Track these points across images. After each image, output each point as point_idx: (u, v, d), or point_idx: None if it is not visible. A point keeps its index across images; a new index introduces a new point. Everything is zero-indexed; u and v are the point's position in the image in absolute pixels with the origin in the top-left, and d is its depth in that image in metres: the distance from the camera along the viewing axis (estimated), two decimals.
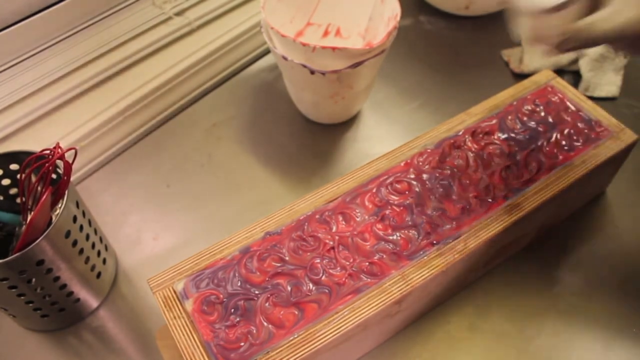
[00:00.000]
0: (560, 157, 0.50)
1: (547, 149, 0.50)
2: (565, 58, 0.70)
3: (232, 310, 0.41)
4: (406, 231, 0.45)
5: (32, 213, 0.42)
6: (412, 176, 0.49)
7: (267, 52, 0.74)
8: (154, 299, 0.42)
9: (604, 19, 0.36)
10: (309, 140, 0.64)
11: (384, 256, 0.43)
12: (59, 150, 0.43)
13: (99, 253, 0.50)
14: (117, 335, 0.50)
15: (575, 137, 0.51)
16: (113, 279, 0.53)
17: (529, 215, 0.46)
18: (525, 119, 0.53)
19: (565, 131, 0.52)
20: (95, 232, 0.50)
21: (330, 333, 0.39)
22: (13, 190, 0.50)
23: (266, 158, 0.62)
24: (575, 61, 0.69)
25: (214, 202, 0.59)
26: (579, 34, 0.37)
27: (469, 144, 0.51)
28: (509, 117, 0.53)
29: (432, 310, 0.50)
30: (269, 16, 0.57)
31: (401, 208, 0.46)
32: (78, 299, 0.49)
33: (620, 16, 0.35)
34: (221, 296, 0.41)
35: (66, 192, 0.44)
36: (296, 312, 0.41)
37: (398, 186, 0.48)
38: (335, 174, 0.61)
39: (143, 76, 0.65)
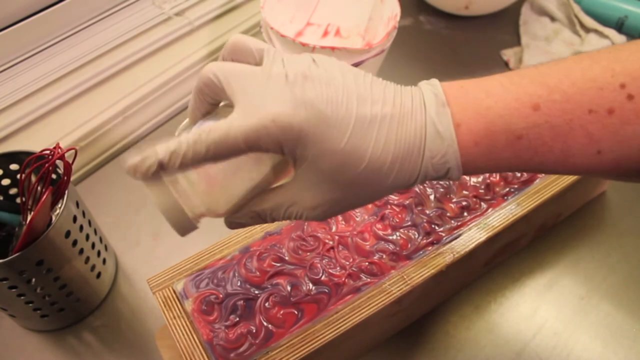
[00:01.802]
0: None
1: None
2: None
3: (232, 310, 0.41)
4: (406, 231, 0.45)
5: (32, 213, 0.42)
6: None
7: None
8: (153, 299, 0.42)
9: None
10: None
11: (384, 256, 0.43)
12: (59, 150, 0.43)
13: (98, 253, 0.50)
14: (117, 335, 0.50)
15: None
16: (113, 279, 0.53)
17: (528, 215, 0.46)
18: None
19: None
20: (95, 232, 0.50)
21: (330, 333, 0.39)
22: (13, 190, 0.50)
23: None
24: None
25: None
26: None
27: None
28: None
29: (432, 310, 0.50)
30: (268, 16, 0.57)
31: (401, 208, 0.46)
32: (78, 299, 0.49)
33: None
34: (221, 296, 0.41)
35: (66, 192, 0.44)
36: (296, 312, 0.40)
37: None
38: None
39: (143, 76, 0.65)
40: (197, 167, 0.29)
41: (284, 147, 0.28)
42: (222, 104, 0.32)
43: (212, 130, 0.27)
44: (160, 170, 0.28)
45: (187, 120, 0.34)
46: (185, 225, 0.31)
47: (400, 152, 0.28)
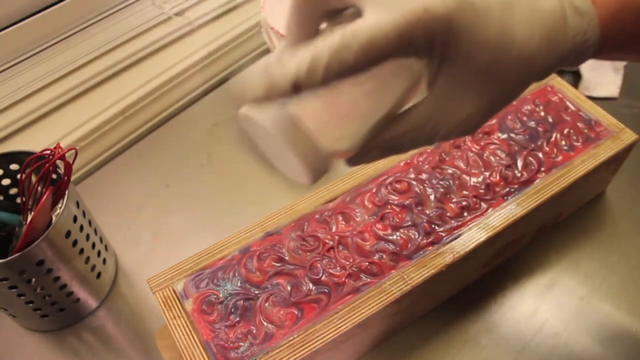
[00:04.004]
0: (560, 157, 0.50)
1: (547, 148, 0.50)
2: None
3: (232, 310, 0.41)
4: (406, 231, 0.45)
5: (33, 213, 0.42)
6: (412, 176, 0.49)
7: (267, 52, 0.74)
8: (154, 299, 0.42)
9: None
10: None
11: (384, 256, 0.43)
12: (60, 150, 0.43)
13: (99, 253, 0.50)
14: (117, 335, 0.50)
15: (575, 137, 0.51)
16: (113, 279, 0.53)
17: (529, 215, 0.46)
18: (525, 118, 0.53)
19: (565, 131, 0.52)
20: (95, 232, 0.50)
21: (330, 333, 0.39)
22: (13, 190, 0.50)
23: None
24: None
25: (214, 202, 0.59)
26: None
27: (469, 143, 0.51)
28: (509, 117, 0.53)
29: (432, 310, 0.50)
30: (269, 16, 0.57)
31: (401, 208, 0.46)
32: (78, 299, 0.49)
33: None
34: (221, 296, 0.41)
35: (66, 192, 0.44)
36: (296, 312, 0.41)
37: (398, 186, 0.48)
38: (335, 174, 0.61)
39: (143, 76, 0.65)
40: (338, 81, 0.23)
41: (436, 43, 0.24)
42: (323, 25, 0.27)
43: (356, 31, 0.23)
44: (293, 94, 0.23)
45: (278, 51, 0.28)
46: (320, 167, 0.27)
47: (545, 32, 0.26)
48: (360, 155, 0.29)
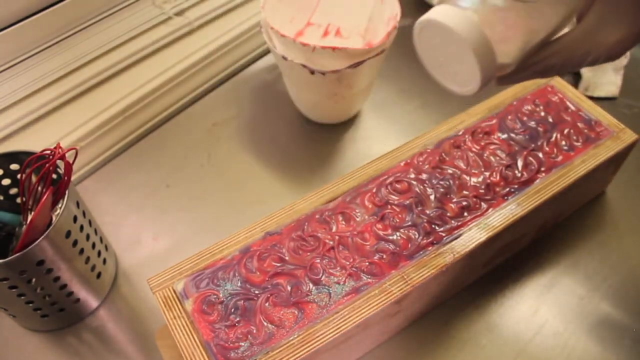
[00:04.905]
0: (560, 157, 0.50)
1: (547, 148, 0.50)
2: None
3: (232, 310, 0.41)
4: (406, 231, 0.45)
5: (33, 213, 0.43)
6: (412, 176, 0.49)
7: (267, 52, 0.74)
8: (154, 299, 0.42)
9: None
10: (309, 140, 0.64)
11: (384, 256, 0.43)
12: (60, 150, 0.43)
13: (99, 253, 0.50)
14: (117, 335, 0.50)
15: (575, 137, 0.51)
16: (113, 279, 0.53)
17: (529, 215, 0.46)
18: (525, 118, 0.53)
19: (565, 131, 0.52)
20: (96, 232, 0.50)
21: (330, 333, 0.39)
22: (13, 190, 0.50)
23: (266, 158, 0.63)
24: None
25: (214, 202, 0.59)
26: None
27: (469, 143, 0.51)
28: (509, 117, 0.53)
29: (432, 310, 0.50)
30: (269, 16, 0.57)
31: (401, 208, 0.46)
32: (78, 299, 0.49)
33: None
34: (221, 296, 0.41)
35: (66, 192, 0.44)
36: (296, 312, 0.41)
37: (398, 186, 0.48)
38: (335, 174, 0.61)
39: (143, 76, 0.65)
40: None
41: None
42: None
43: None
44: None
45: None
46: (490, 75, 0.30)
47: None
48: (513, 74, 0.31)
